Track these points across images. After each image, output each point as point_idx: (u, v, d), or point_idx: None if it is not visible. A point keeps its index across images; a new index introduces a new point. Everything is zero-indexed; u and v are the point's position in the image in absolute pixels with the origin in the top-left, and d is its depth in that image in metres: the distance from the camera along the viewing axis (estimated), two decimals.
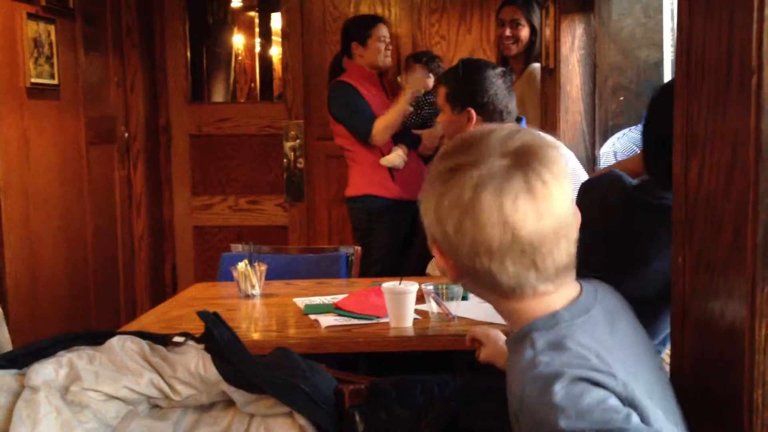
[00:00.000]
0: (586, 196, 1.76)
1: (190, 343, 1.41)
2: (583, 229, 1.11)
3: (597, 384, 0.97)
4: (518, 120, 2.80)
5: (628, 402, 0.98)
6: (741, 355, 1.10)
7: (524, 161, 1.01)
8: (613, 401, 0.96)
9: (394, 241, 3.69)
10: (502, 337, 1.52)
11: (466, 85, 2.62)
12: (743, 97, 1.13)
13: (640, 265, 1.61)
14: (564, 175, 1.04)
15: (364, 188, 3.70)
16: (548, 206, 1.00)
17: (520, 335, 1.07)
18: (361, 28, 3.81)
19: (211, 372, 1.35)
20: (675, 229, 1.26)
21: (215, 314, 1.41)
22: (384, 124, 3.61)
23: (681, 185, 1.25)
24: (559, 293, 1.07)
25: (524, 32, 3.64)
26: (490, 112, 2.60)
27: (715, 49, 1.28)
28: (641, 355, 1.14)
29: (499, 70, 2.68)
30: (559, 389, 0.95)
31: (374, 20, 3.87)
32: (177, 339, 1.41)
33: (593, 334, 1.05)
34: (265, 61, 5.28)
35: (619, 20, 3.00)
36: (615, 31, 3.01)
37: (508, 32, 3.68)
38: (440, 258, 1.08)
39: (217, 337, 1.36)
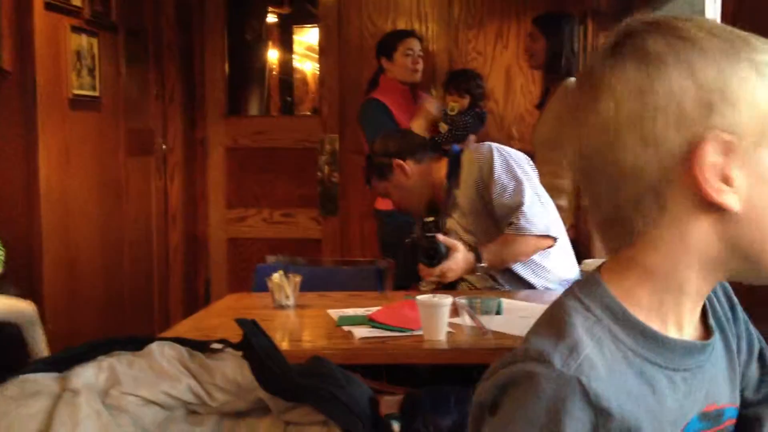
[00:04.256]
0: None
1: (228, 350, 1.42)
2: None
3: None
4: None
5: None
6: None
7: None
8: None
9: None
10: None
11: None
12: None
13: None
14: None
15: None
16: None
17: None
18: (389, 42, 3.85)
19: (249, 379, 1.36)
20: None
21: (253, 321, 1.42)
22: None
23: None
24: None
25: (538, 46, 3.65)
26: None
27: None
28: None
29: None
30: None
31: (403, 34, 3.91)
32: (215, 346, 1.43)
33: None
34: (302, 76, 5.33)
35: None
36: None
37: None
38: None
39: (255, 345, 1.37)
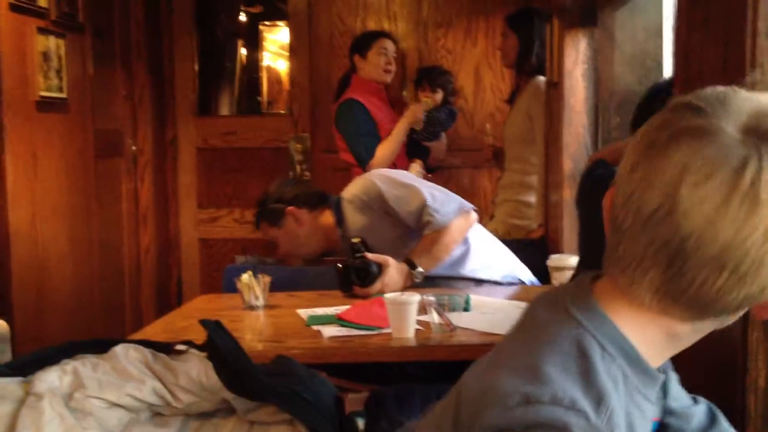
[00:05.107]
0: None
1: (193, 351, 1.42)
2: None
3: None
4: None
5: None
6: (734, 362, 1.12)
7: None
8: None
9: None
10: None
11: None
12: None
13: None
14: None
15: None
16: None
17: None
18: (364, 40, 3.85)
19: (213, 379, 1.37)
20: None
21: (217, 322, 1.42)
22: (383, 153, 3.63)
23: None
24: None
25: (508, 43, 3.68)
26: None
27: (711, 61, 1.30)
28: None
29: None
30: None
31: (378, 34, 3.91)
32: (179, 347, 1.43)
33: None
34: (272, 75, 5.32)
35: (624, 34, 3.01)
36: (620, 45, 3.03)
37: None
38: None
39: (219, 345, 1.37)
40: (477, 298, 2.39)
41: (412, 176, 2.82)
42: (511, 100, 3.86)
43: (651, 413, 0.88)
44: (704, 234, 0.75)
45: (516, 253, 2.93)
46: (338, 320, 2.22)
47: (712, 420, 1.06)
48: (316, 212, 2.83)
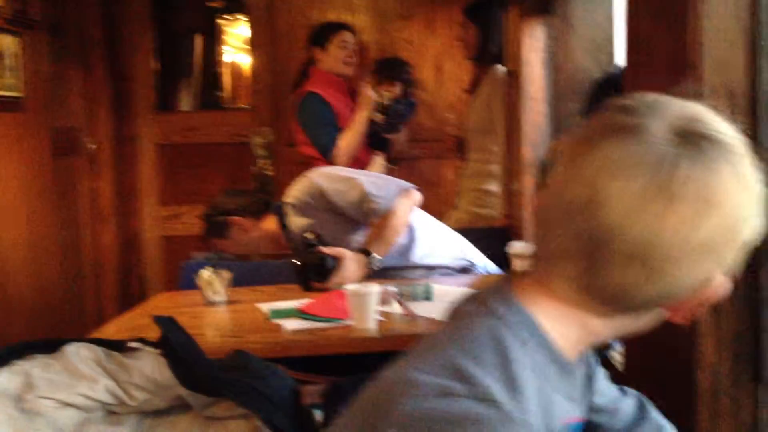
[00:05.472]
0: None
1: (146, 348, 1.41)
2: None
3: None
4: None
5: None
6: (683, 339, 1.13)
7: None
8: None
9: None
10: None
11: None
12: (685, 89, 1.16)
13: None
14: None
15: None
16: None
17: None
18: (323, 33, 3.82)
19: (167, 376, 1.35)
20: None
21: (170, 318, 1.41)
22: (347, 143, 3.61)
23: None
24: None
25: (469, 34, 3.68)
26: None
27: (661, 46, 1.31)
28: None
29: None
30: None
31: (337, 26, 3.88)
32: (132, 344, 1.41)
33: None
34: (233, 70, 5.27)
35: (581, 20, 3.02)
36: (577, 32, 3.03)
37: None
38: None
39: (173, 341, 1.36)
40: (438, 287, 2.40)
41: (349, 169, 2.87)
42: (471, 90, 3.86)
43: (566, 406, 0.88)
44: (622, 227, 0.76)
45: (479, 242, 2.94)
46: (300, 313, 2.21)
47: (641, 412, 1.08)
48: (260, 219, 2.87)
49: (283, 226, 2.81)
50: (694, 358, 1.12)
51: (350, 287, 2.09)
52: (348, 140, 3.59)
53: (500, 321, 0.83)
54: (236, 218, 2.84)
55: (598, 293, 0.81)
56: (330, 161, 3.55)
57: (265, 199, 2.97)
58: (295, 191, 2.78)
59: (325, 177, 2.73)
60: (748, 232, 0.79)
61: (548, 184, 0.84)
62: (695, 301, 0.82)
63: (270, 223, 2.85)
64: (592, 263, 0.79)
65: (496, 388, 0.76)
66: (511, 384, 0.77)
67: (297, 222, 2.77)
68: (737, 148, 0.79)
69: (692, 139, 0.77)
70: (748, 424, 1.17)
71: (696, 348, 1.12)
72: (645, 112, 0.79)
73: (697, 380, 1.13)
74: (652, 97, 0.83)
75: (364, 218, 2.68)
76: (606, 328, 0.86)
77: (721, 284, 0.80)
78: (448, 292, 2.36)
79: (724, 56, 1.14)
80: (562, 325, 0.84)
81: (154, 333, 1.47)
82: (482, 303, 0.86)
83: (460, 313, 0.89)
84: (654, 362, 1.28)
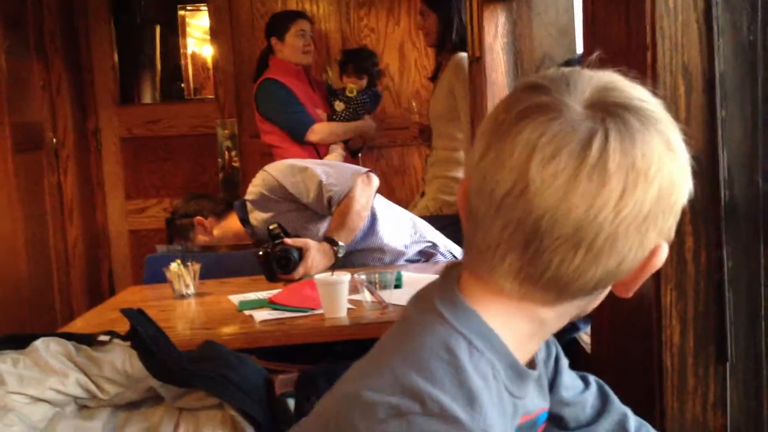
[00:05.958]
0: None
1: (116, 341, 1.41)
2: None
3: None
4: None
5: None
6: (650, 321, 1.15)
7: None
8: None
9: None
10: None
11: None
12: (641, 71, 1.18)
13: None
14: None
15: None
16: None
17: None
18: (279, 22, 3.81)
19: (138, 368, 1.35)
20: None
21: (139, 311, 1.41)
22: (331, 130, 3.65)
23: None
24: None
25: (429, 22, 3.68)
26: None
27: (616, 30, 1.33)
28: None
29: None
30: None
31: (294, 15, 3.88)
32: (102, 338, 1.41)
33: None
34: (195, 60, 5.23)
35: (543, 5, 3.04)
36: (539, 16, 3.05)
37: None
38: None
39: (142, 333, 1.36)
40: (408, 274, 2.41)
41: (303, 160, 2.89)
42: (434, 78, 3.87)
43: (527, 403, 0.86)
44: (557, 211, 0.73)
45: (447, 228, 2.95)
46: (270, 304, 2.21)
47: (603, 400, 1.06)
48: (222, 219, 2.89)
49: (246, 222, 2.83)
50: (660, 339, 1.14)
51: (320, 276, 2.10)
52: (332, 127, 3.68)
53: (449, 326, 0.79)
54: (198, 218, 2.86)
55: (544, 283, 0.77)
56: (304, 141, 3.64)
57: (227, 200, 3.00)
58: (254, 187, 2.79)
59: (280, 170, 2.74)
60: (684, 196, 0.78)
61: (471, 174, 0.80)
62: (642, 274, 0.80)
63: (233, 222, 2.87)
64: (534, 253, 0.75)
65: (452, 403, 0.72)
66: (468, 396, 0.74)
67: (259, 217, 2.78)
68: (659, 113, 0.77)
69: (613, 111, 0.74)
70: (715, 404, 1.20)
71: (662, 330, 1.14)
72: (558, 88, 0.76)
73: (663, 361, 1.15)
74: (559, 71, 0.79)
75: (324, 208, 2.69)
76: (558, 316, 0.82)
77: (665, 252, 0.78)
78: (417, 280, 2.38)
79: (679, 36, 1.15)
80: (512, 322, 0.81)
81: (123, 327, 1.46)
82: (430, 308, 0.82)
83: (407, 321, 0.84)
84: (621, 344, 1.30)
